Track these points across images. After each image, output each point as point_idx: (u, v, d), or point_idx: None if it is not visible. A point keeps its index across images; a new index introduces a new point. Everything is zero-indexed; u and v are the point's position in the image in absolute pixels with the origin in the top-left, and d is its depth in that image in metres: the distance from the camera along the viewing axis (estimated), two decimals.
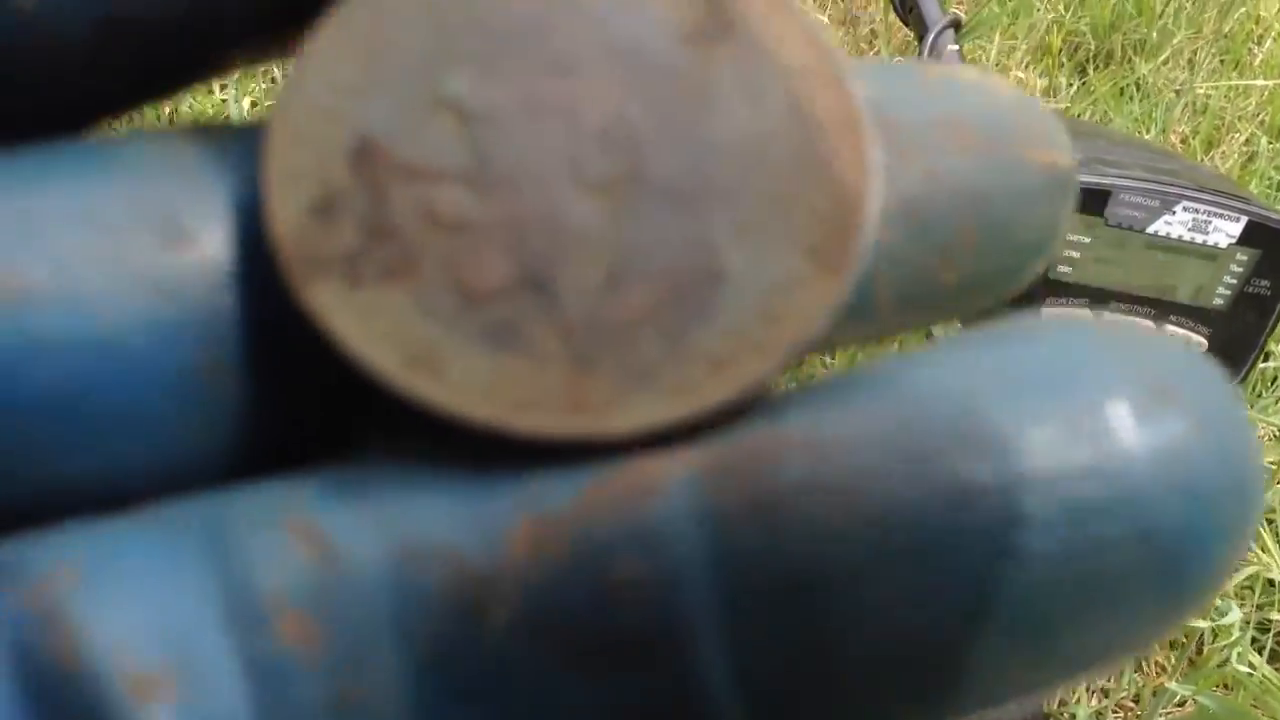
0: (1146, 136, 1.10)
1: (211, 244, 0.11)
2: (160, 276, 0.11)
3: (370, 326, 0.11)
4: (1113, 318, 0.10)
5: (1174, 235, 0.60)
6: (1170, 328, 0.63)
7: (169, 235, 0.11)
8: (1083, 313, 0.10)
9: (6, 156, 0.11)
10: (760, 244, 0.11)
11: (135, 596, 0.10)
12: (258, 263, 0.11)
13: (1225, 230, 0.60)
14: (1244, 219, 0.60)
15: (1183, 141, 1.12)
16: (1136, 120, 1.11)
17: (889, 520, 0.10)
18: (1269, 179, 1.08)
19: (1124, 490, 0.10)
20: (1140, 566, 0.10)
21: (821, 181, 0.11)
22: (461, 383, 0.11)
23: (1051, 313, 0.10)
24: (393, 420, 0.11)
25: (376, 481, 0.11)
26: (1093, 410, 0.10)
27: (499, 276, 0.11)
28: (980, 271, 0.12)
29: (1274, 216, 0.60)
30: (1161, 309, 0.63)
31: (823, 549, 0.10)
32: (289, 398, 0.12)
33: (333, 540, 0.10)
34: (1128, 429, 0.10)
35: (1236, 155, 1.11)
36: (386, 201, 0.11)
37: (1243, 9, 1.24)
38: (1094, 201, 0.59)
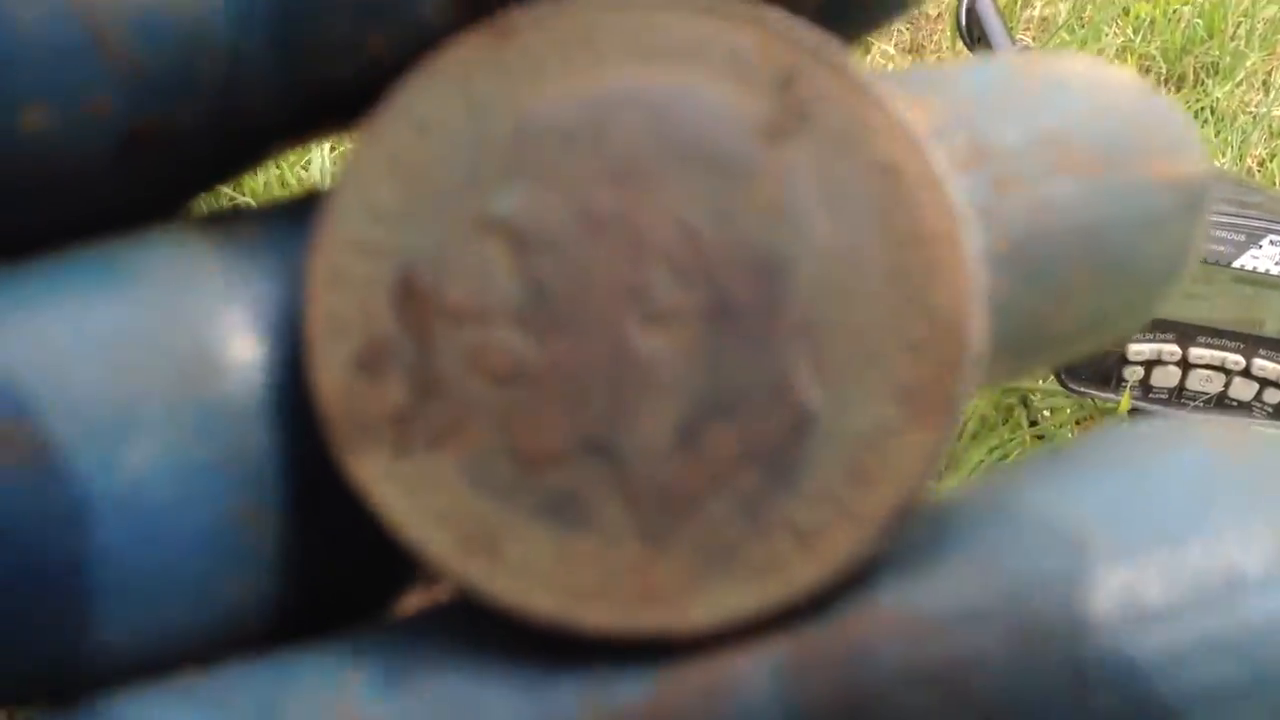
0: (1222, 161, 1.08)
1: (242, 372, 0.10)
2: (188, 415, 0.10)
3: (420, 502, 0.10)
4: (1221, 420, 0.09)
5: (1261, 269, 0.60)
6: (1259, 361, 0.62)
7: (195, 366, 0.10)
8: (1189, 418, 0.09)
9: (22, 274, 0.10)
10: (847, 386, 0.10)
11: None
12: (294, 387, 0.10)
13: None
14: None
15: (1260, 165, 1.10)
16: (1211, 145, 1.09)
17: (1003, 716, 0.09)
18: None
19: (1266, 668, 0.09)
20: None
21: (915, 309, 0.10)
22: (520, 568, 0.10)
23: (1153, 421, 0.10)
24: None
25: (432, 667, 0.10)
26: (1225, 573, 0.09)
27: (557, 437, 0.10)
28: (1100, 309, 0.11)
29: None
30: (1250, 343, 0.62)
31: None
32: (335, 539, 0.11)
33: None
34: (1261, 588, 0.09)
35: None
36: (434, 349, 0.10)
37: None
38: None
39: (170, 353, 0.10)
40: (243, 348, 0.10)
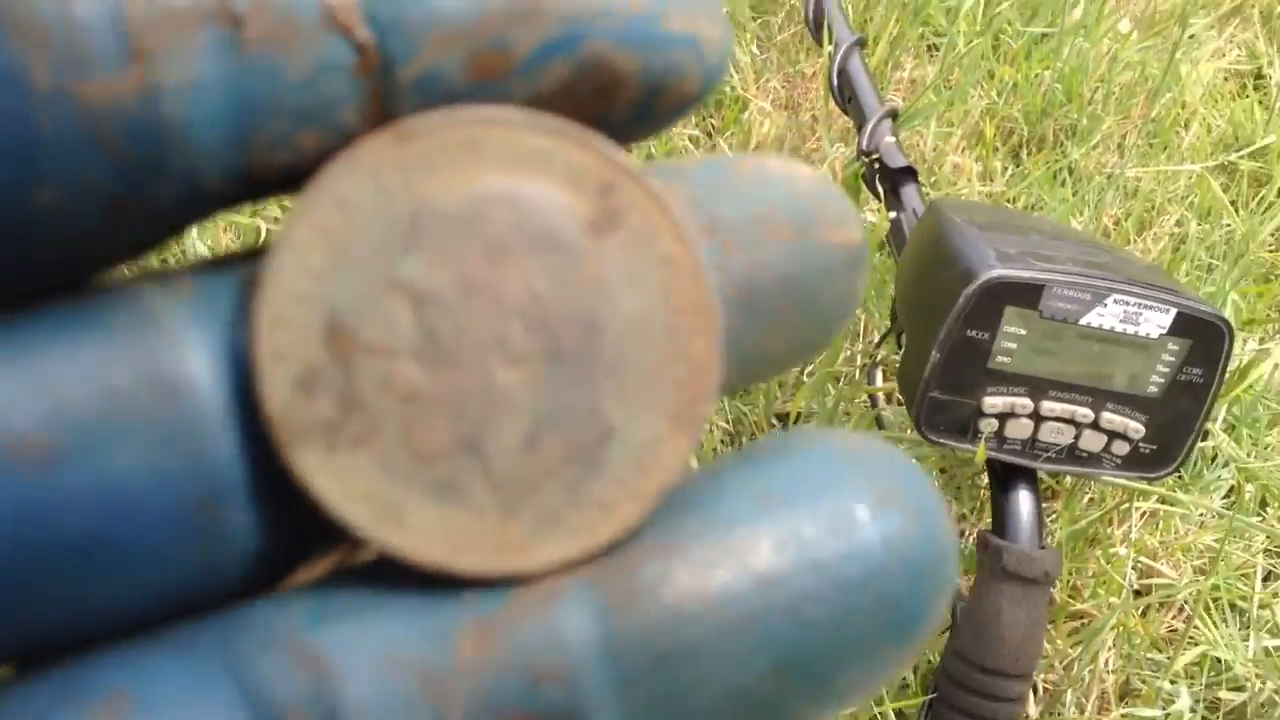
0: (1080, 220, 1.12)
1: (199, 394, 0.13)
2: (156, 429, 0.13)
3: (345, 486, 0.13)
4: (847, 430, 0.13)
5: (1106, 326, 0.62)
6: (1107, 414, 0.64)
7: (161, 392, 0.13)
8: (827, 431, 0.13)
9: (23, 322, 0.13)
10: (636, 409, 0.14)
11: (181, 717, 0.13)
12: (238, 409, 0.13)
13: (1156, 321, 0.62)
14: (1173, 310, 0.62)
15: (1115, 224, 1.15)
16: (1069, 204, 1.14)
17: (716, 602, 0.13)
18: (1198, 260, 1.11)
19: (868, 569, 0.14)
20: (882, 626, 0.14)
21: (681, 358, 0.14)
22: (417, 531, 0.13)
23: (802, 428, 0.14)
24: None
25: (353, 601, 0.13)
26: (844, 512, 0.14)
27: (443, 440, 0.14)
28: (798, 339, 0.15)
29: (1202, 307, 0.62)
30: (1098, 397, 0.64)
31: (678, 627, 0.13)
32: (274, 523, 0.14)
33: (326, 657, 0.13)
34: (867, 524, 0.14)
35: (1167, 238, 1.14)
36: (354, 376, 0.13)
37: (1169, 94, 1.28)
38: (1028, 295, 0.61)
39: (142, 381, 0.13)
40: (198, 376, 0.13)
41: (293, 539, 0.14)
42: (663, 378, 0.14)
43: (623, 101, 0.14)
